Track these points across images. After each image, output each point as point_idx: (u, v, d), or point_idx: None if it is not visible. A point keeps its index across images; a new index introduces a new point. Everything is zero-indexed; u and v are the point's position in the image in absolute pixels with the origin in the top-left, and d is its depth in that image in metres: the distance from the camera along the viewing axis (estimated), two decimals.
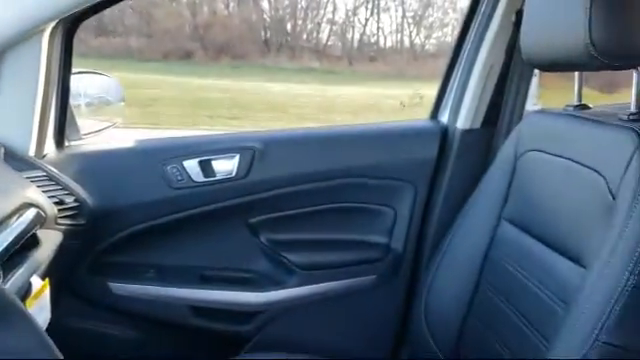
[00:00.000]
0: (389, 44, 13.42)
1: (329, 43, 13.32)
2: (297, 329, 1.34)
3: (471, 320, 1.09)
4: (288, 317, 1.33)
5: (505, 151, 1.11)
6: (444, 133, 1.37)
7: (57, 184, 1.06)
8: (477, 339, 1.06)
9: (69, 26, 1.12)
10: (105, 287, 1.27)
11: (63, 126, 1.19)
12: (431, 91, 1.57)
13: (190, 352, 1.35)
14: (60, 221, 1.03)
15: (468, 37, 1.36)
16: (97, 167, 1.26)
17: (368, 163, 1.34)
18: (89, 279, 1.27)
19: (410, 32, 13.33)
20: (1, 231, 0.78)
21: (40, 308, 0.88)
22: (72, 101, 1.22)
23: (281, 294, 1.32)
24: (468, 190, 1.19)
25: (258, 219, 1.34)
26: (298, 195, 1.32)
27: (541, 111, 1.09)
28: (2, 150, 1.03)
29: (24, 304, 0.81)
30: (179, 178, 1.27)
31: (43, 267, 0.96)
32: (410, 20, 13.26)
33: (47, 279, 0.92)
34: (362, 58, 13.11)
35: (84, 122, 1.29)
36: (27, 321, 0.56)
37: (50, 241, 1.00)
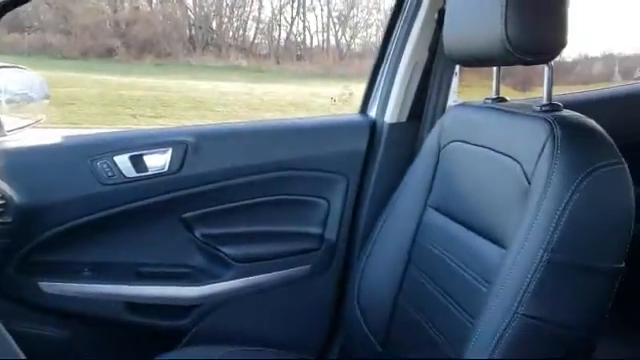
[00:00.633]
0: (315, 43, 13.51)
1: (256, 41, 13.24)
2: (234, 321, 1.36)
3: (401, 303, 1.14)
4: (225, 310, 1.34)
5: (429, 143, 1.16)
6: (373, 127, 1.42)
7: None
8: (407, 320, 1.11)
9: None
10: (36, 287, 1.24)
11: None
12: (358, 89, 1.62)
13: (127, 349, 1.33)
14: None
15: (394, 35, 1.41)
16: (23, 164, 1.22)
17: (301, 156, 1.37)
18: (18, 279, 1.23)
19: (336, 32, 13.46)
20: None
21: None
22: None
23: (217, 287, 1.32)
24: (396, 180, 1.24)
25: (192, 214, 1.34)
26: (232, 189, 1.33)
27: (462, 104, 1.16)
28: None
29: None
30: (110, 174, 1.25)
31: None
32: (336, 20, 13.40)
33: None
34: (289, 57, 13.12)
35: (5, 119, 1.24)
36: None
37: None
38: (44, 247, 1.24)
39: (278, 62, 12.81)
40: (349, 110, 1.52)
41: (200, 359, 1.16)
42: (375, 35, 13.14)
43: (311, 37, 13.35)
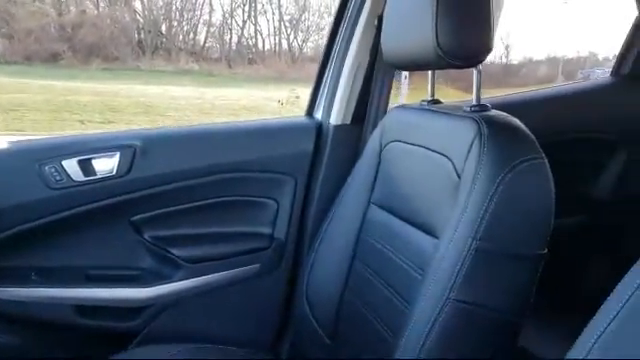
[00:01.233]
0: (267, 47, 13.49)
1: (207, 45, 13.12)
2: (185, 321, 1.37)
3: (347, 296, 1.18)
4: (176, 310, 1.36)
5: (372, 143, 1.22)
6: (319, 129, 1.46)
7: None
8: (353, 313, 1.15)
9: None
10: None
11: None
12: (305, 93, 1.66)
13: (78, 352, 1.33)
14: None
15: (337, 40, 1.46)
16: None
17: (249, 158, 1.40)
18: None
19: (288, 35, 13.49)
20: None
21: None
22: None
23: (167, 288, 1.34)
24: (342, 180, 1.28)
25: (141, 216, 1.35)
26: (181, 191, 1.35)
27: (401, 106, 1.21)
28: None
29: None
30: (58, 178, 1.25)
31: None
32: (287, 24, 13.42)
33: None
34: (241, 61, 13.05)
35: None
36: None
37: None
38: None
39: (230, 66, 12.73)
40: (299, 112, 1.56)
41: (151, 359, 1.18)
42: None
43: (263, 41, 13.31)
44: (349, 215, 1.22)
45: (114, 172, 1.29)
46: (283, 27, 13.31)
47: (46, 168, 1.24)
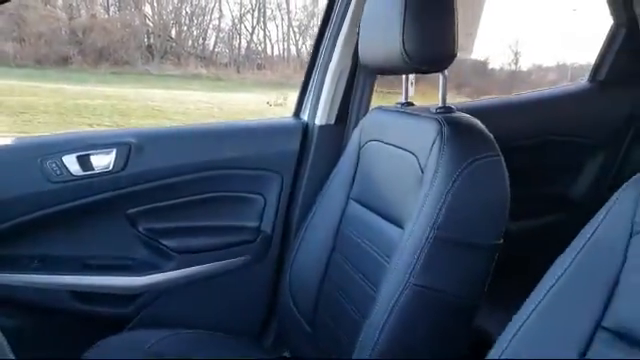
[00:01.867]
0: (276, 52, 13.57)
1: (216, 50, 13.21)
2: (175, 308, 1.45)
3: (326, 286, 1.25)
4: (167, 298, 1.43)
5: (352, 143, 1.29)
6: (305, 129, 1.54)
7: None
8: (331, 301, 1.23)
9: None
10: None
11: None
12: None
13: (73, 335, 1.40)
14: None
15: (323, 44, 1.54)
16: None
17: (239, 156, 1.48)
18: None
19: (296, 41, 13.57)
20: None
21: None
22: None
23: (159, 277, 1.42)
24: (326, 177, 1.36)
25: (136, 210, 1.43)
26: (174, 186, 1.43)
27: (379, 108, 1.29)
28: None
29: None
30: (58, 172, 1.33)
31: None
32: (296, 29, 13.51)
33: None
34: (250, 65, 13.12)
35: None
36: None
37: None
38: None
39: (238, 71, 12.78)
40: (288, 113, 1.64)
41: (140, 341, 1.25)
42: None
43: (272, 46, 13.38)
44: (330, 210, 1.29)
45: (111, 167, 1.37)
46: (292, 33, 13.39)
47: (47, 163, 1.33)
